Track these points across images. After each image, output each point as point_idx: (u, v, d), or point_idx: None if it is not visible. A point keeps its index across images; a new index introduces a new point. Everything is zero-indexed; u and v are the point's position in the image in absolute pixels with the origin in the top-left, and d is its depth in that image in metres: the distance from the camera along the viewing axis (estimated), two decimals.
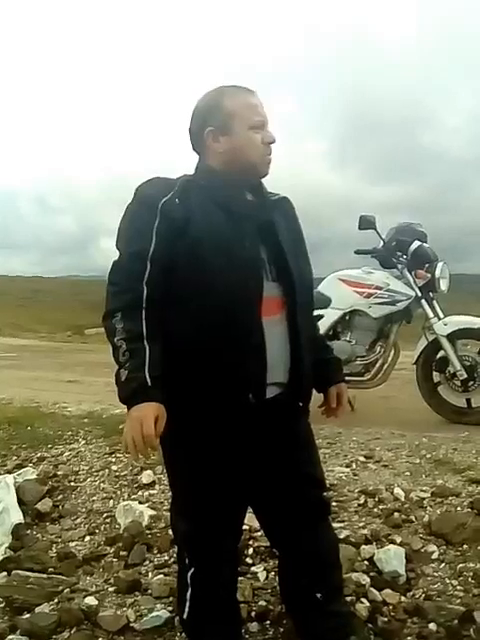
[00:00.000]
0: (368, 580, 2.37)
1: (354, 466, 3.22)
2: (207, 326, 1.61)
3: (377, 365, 4.64)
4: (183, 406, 1.64)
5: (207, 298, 1.61)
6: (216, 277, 1.61)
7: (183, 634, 2.09)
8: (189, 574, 1.77)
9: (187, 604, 1.79)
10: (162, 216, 1.64)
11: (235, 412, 1.65)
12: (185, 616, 1.82)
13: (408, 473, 3.10)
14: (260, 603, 2.32)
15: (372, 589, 2.33)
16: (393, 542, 2.53)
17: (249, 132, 1.73)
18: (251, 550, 2.57)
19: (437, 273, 4.46)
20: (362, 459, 3.30)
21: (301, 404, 1.80)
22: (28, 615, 2.40)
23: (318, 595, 1.80)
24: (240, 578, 2.22)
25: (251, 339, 1.63)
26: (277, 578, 2.14)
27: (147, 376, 1.55)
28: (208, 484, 1.70)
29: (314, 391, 1.89)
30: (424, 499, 2.81)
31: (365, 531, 2.61)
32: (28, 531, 3.06)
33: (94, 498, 3.25)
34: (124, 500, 3.14)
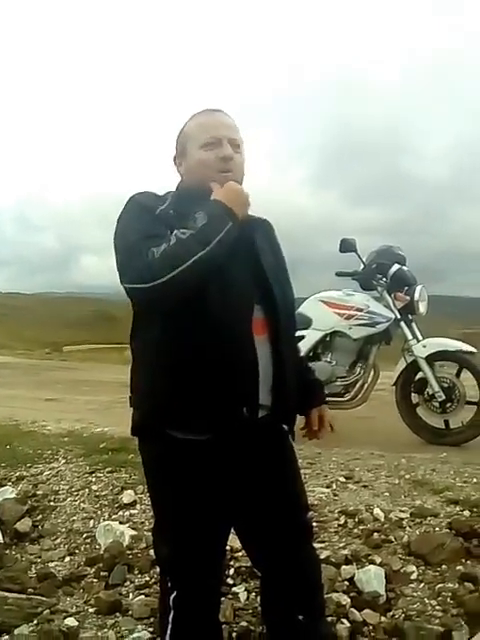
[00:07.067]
0: (348, 600, 2.39)
1: (334, 486, 3.24)
2: (202, 342, 1.62)
3: (357, 386, 4.69)
4: (171, 426, 1.65)
5: (202, 313, 1.61)
6: (211, 293, 1.61)
7: None
8: (171, 597, 1.75)
9: (169, 627, 1.77)
10: (161, 222, 1.64)
11: (227, 427, 1.65)
12: (167, 638, 1.82)
13: (387, 493, 3.13)
14: (241, 624, 2.33)
15: (353, 610, 2.36)
16: (373, 562, 2.56)
17: (200, 151, 1.76)
18: (232, 570, 2.58)
19: (416, 296, 4.54)
20: (342, 479, 3.32)
21: (286, 426, 1.82)
22: (7, 637, 2.39)
23: (300, 617, 1.79)
24: (221, 598, 2.23)
25: (246, 355, 1.64)
26: (258, 599, 2.15)
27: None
28: (191, 508, 1.69)
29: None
30: (403, 519, 2.84)
31: (345, 551, 2.63)
32: (7, 551, 3.05)
33: (74, 518, 3.24)
34: (105, 520, 3.13)
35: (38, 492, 3.48)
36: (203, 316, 1.61)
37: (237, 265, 1.67)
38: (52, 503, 3.39)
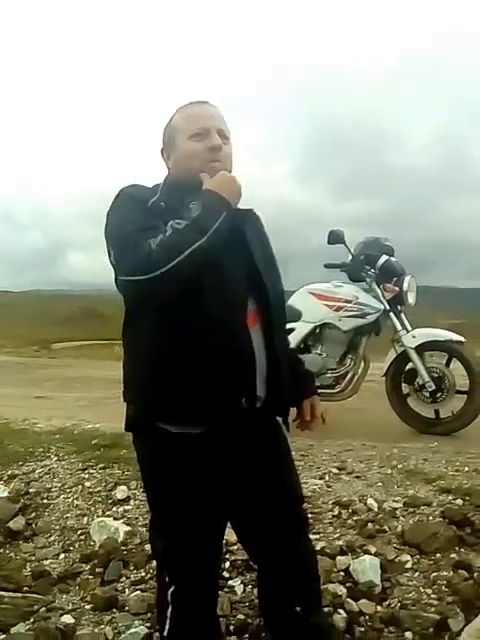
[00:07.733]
0: (344, 591, 2.40)
1: (327, 478, 3.26)
2: (198, 334, 1.60)
3: (347, 377, 4.71)
4: (166, 419, 1.64)
5: (198, 307, 1.60)
6: (207, 286, 1.60)
7: None
8: (169, 592, 1.75)
9: (167, 622, 1.76)
10: (153, 214, 1.62)
11: (224, 419, 1.64)
12: (165, 633, 1.80)
13: (380, 484, 3.14)
14: (238, 617, 2.33)
15: (349, 600, 2.37)
16: (368, 552, 2.57)
17: (188, 142, 1.74)
18: (228, 563, 2.58)
19: (405, 286, 4.55)
20: (335, 471, 3.34)
21: (279, 418, 1.82)
22: (3, 636, 2.38)
23: (297, 608, 1.80)
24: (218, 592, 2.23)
25: (244, 346, 1.64)
26: (255, 591, 2.15)
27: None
28: (187, 503, 1.69)
29: None
30: (397, 509, 2.86)
31: (340, 542, 2.64)
32: (1, 550, 3.03)
33: (68, 515, 3.23)
34: (98, 516, 3.13)
35: (31, 490, 3.47)
36: (198, 309, 1.60)
37: (230, 257, 1.66)
38: (45, 501, 3.38)
